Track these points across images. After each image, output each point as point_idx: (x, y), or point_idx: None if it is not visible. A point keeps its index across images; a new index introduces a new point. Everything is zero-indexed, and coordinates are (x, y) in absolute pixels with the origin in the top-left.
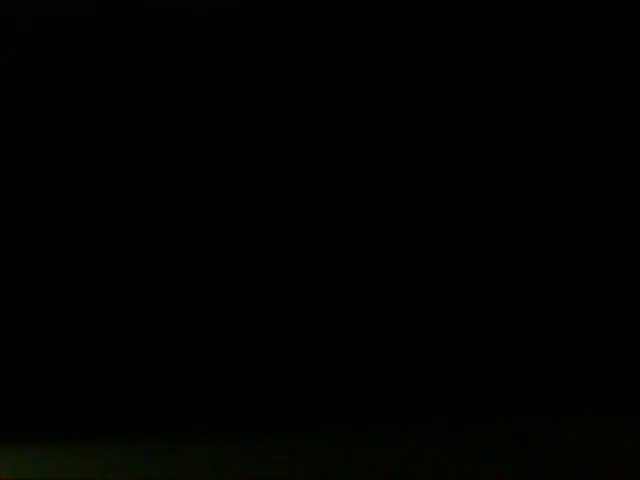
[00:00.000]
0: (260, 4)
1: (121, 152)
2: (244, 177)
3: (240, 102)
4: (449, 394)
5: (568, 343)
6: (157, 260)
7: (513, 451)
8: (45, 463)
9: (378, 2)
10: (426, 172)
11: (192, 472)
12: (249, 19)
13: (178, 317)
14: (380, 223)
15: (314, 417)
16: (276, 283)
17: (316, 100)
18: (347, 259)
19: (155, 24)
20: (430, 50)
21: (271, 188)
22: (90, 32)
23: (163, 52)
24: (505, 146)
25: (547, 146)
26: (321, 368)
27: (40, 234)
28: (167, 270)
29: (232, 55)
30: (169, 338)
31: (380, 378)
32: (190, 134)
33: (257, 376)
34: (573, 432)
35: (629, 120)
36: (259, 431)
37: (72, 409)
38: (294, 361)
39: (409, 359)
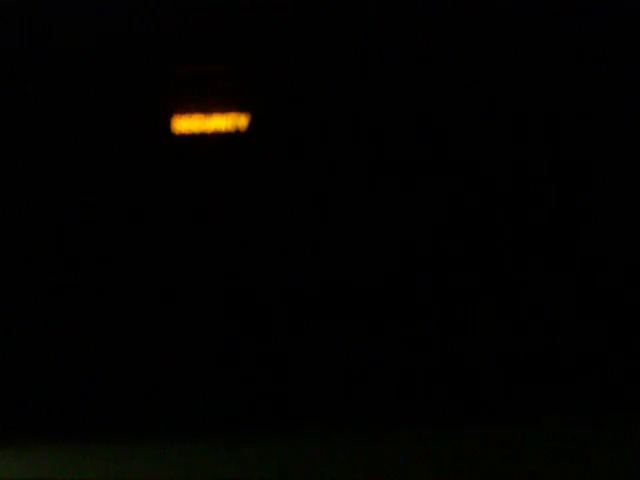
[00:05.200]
0: None
1: None
2: None
3: None
4: (443, 394)
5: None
6: (152, 260)
7: (507, 453)
8: (45, 463)
9: None
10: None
11: (192, 472)
12: None
13: (178, 317)
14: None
15: (313, 416)
16: (270, 286)
17: None
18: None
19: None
20: None
21: None
22: None
23: None
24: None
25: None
26: (317, 367)
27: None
28: (165, 270)
29: None
30: (169, 338)
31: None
32: None
33: (257, 375)
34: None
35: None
36: (259, 431)
37: (72, 409)
38: (292, 360)
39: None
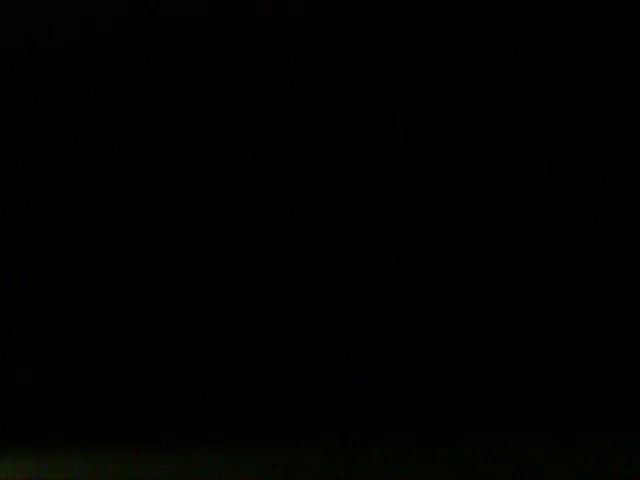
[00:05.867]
0: None
1: None
2: None
3: None
4: (448, 396)
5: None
6: (151, 265)
7: (510, 456)
8: (45, 464)
9: None
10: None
11: (193, 473)
12: None
13: (179, 322)
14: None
15: (313, 419)
16: (272, 292)
17: None
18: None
19: None
20: None
21: None
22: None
23: None
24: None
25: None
26: (318, 372)
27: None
28: (165, 275)
29: None
30: (170, 343)
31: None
32: None
33: (257, 380)
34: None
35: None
36: (259, 434)
37: (73, 412)
38: (292, 365)
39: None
